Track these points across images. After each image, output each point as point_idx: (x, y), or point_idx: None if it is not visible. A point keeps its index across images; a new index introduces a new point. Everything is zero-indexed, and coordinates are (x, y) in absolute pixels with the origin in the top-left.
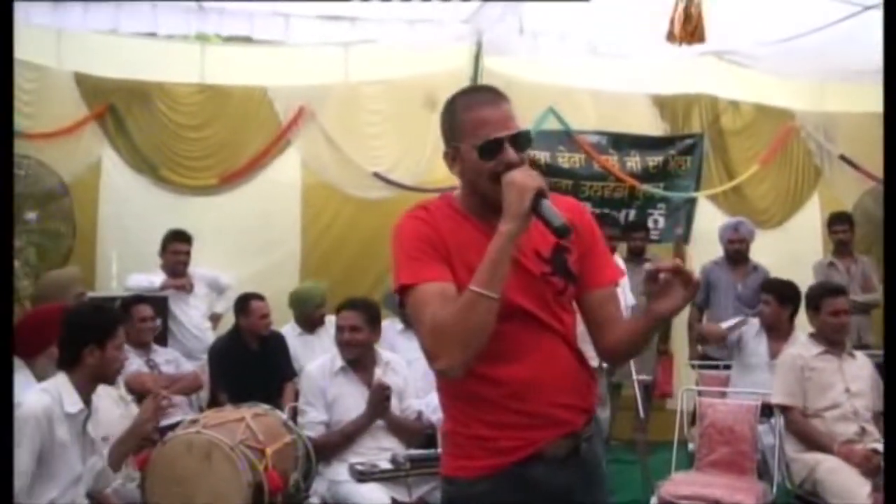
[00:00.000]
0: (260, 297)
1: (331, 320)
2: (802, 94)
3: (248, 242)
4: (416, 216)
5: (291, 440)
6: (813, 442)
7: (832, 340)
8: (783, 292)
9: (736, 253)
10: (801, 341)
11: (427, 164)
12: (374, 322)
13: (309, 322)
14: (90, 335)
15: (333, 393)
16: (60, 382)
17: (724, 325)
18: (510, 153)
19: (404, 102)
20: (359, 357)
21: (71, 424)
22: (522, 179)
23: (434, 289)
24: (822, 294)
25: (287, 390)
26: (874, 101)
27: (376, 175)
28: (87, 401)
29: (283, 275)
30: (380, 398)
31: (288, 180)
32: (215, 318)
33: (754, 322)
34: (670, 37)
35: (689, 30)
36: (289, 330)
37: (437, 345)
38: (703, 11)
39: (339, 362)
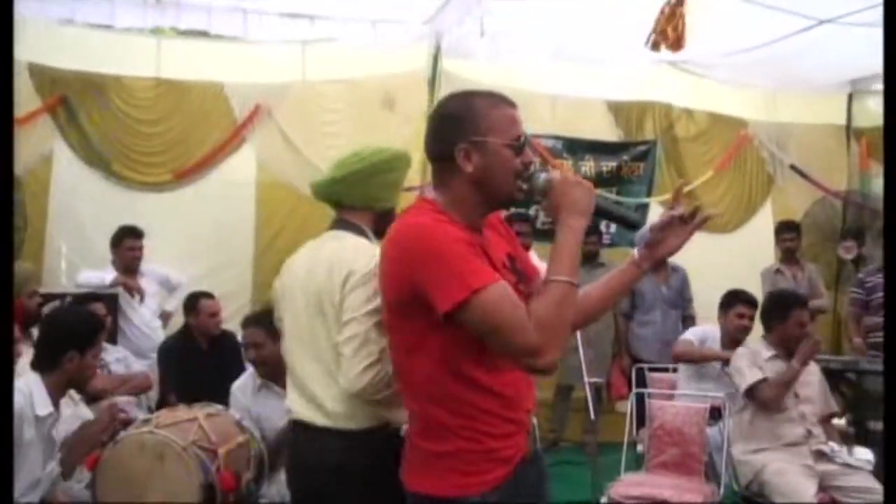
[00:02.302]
0: (209, 296)
1: None
2: (756, 104)
3: (200, 240)
4: (439, 220)
5: (244, 441)
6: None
7: (790, 349)
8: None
9: None
10: (753, 343)
11: None
12: (276, 334)
13: None
14: (73, 341)
15: (258, 410)
16: (33, 383)
17: None
18: (529, 153)
19: (362, 102)
20: (274, 371)
21: (38, 427)
22: (581, 179)
23: (503, 288)
24: (793, 304)
25: None
26: (826, 113)
27: None
28: (56, 404)
29: (235, 274)
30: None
31: (243, 178)
32: (166, 317)
33: (715, 331)
34: (654, 46)
35: (674, 37)
36: None
37: (544, 340)
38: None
39: (259, 379)
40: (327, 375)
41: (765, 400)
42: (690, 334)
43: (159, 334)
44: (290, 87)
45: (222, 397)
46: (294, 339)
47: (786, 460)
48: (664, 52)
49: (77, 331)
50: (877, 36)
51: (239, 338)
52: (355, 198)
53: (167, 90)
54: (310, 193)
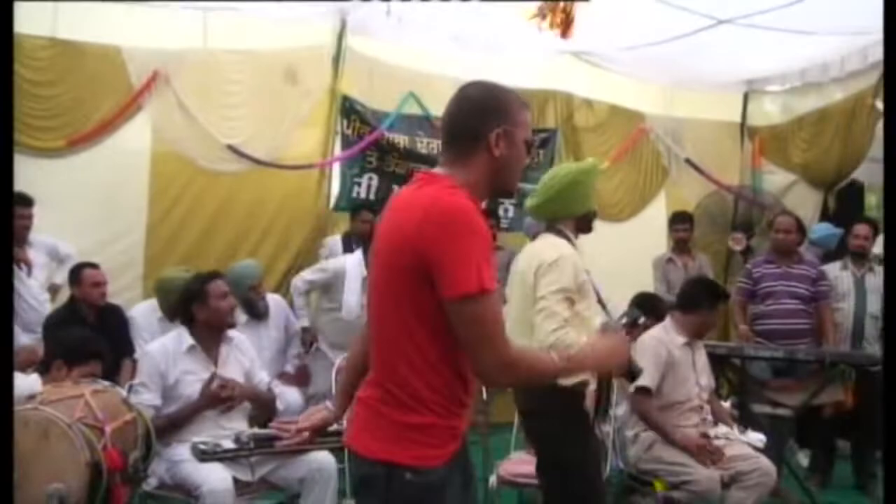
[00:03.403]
0: (93, 266)
1: (275, 300)
2: (654, 99)
3: (92, 211)
4: (476, 210)
5: (131, 418)
6: (656, 429)
7: (700, 338)
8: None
9: None
10: (664, 329)
11: (284, 140)
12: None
13: (246, 304)
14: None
15: (177, 373)
16: None
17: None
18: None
19: (264, 74)
20: (209, 330)
21: None
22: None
23: (497, 303)
24: (720, 295)
25: (125, 367)
26: (722, 111)
27: (230, 147)
28: None
29: (127, 246)
30: (212, 392)
31: (137, 147)
32: (55, 290)
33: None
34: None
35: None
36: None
37: (508, 374)
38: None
39: (188, 341)
40: (523, 339)
41: (635, 408)
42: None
43: (47, 307)
44: (190, 54)
45: (108, 373)
46: (511, 315)
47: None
48: (567, 43)
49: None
50: (773, 38)
51: (129, 313)
52: (559, 210)
53: (62, 51)
54: (207, 165)
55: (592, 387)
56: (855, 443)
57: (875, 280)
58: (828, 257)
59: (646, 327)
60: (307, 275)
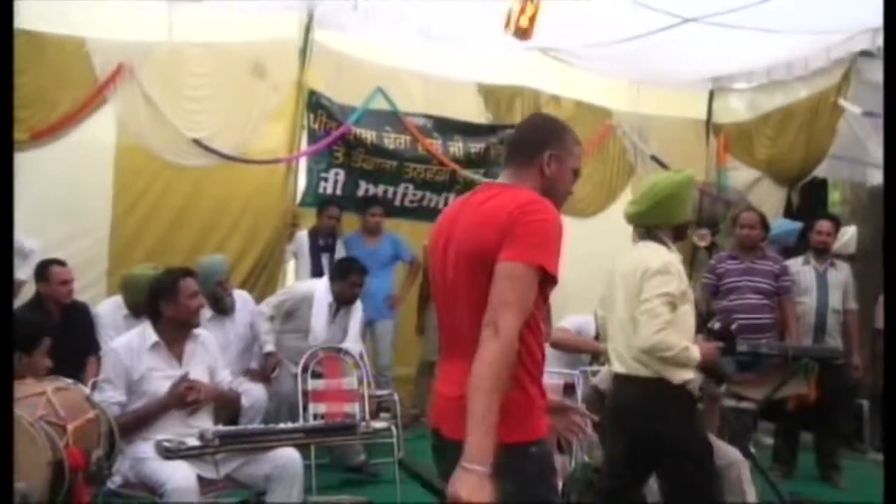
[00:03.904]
0: (61, 263)
1: (241, 296)
2: (620, 96)
3: (56, 205)
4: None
5: (94, 416)
6: None
7: None
8: None
9: None
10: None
11: (250, 134)
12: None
13: (213, 299)
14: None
15: (142, 370)
16: None
17: None
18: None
19: (231, 68)
20: (173, 330)
21: None
22: None
23: (535, 280)
24: None
25: (90, 364)
26: (687, 108)
27: (195, 141)
28: None
29: (92, 242)
30: (179, 393)
31: (102, 141)
32: (18, 286)
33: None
34: (514, 31)
35: (524, 26)
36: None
37: (494, 343)
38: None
39: (152, 338)
40: (626, 337)
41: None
42: (568, 323)
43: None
44: (156, 47)
45: (73, 370)
46: (612, 315)
47: None
48: (535, 39)
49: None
50: (738, 37)
51: (94, 310)
52: (659, 219)
53: (25, 42)
54: (172, 159)
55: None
56: (818, 435)
57: (837, 275)
58: (786, 253)
59: None
60: (273, 300)
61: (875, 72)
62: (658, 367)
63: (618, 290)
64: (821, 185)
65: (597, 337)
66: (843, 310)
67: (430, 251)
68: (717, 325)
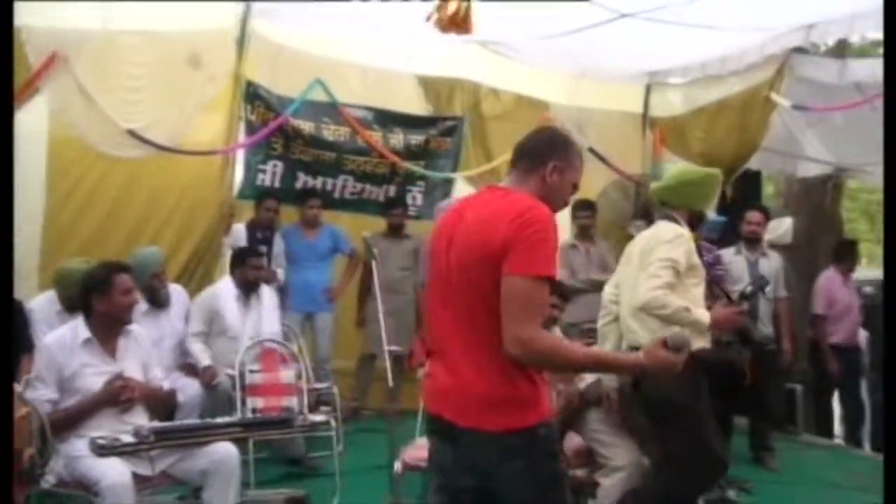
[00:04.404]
0: None
1: (176, 290)
2: (559, 89)
3: None
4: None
5: (26, 413)
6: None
7: None
8: None
9: None
10: None
11: (186, 125)
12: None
13: (148, 292)
14: None
15: (75, 366)
16: None
17: None
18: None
19: (167, 58)
20: (107, 325)
21: None
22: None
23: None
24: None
25: (24, 362)
26: (624, 101)
27: (130, 132)
28: None
29: (24, 235)
30: (113, 391)
31: (34, 131)
32: None
33: None
34: (438, 24)
35: (457, 21)
36: (224, 287)
37: (520, 350)
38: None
39: (84, 334)
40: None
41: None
42: None
43: None
44: (91, 35)
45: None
46: (625, 293)
47: None
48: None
49: None
50: (674, 33)
51: (27, 305)
52: (680, 200)
53: None
54: (107, 150)
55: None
56: (751, 419)
57: (768, 264)
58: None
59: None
60: (195, 316)
61: (807, 67)
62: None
63: (633, 269)
64: (755, 178)
65: None
66: (774, 297)
67: (431, 249)
68: (748, 290)
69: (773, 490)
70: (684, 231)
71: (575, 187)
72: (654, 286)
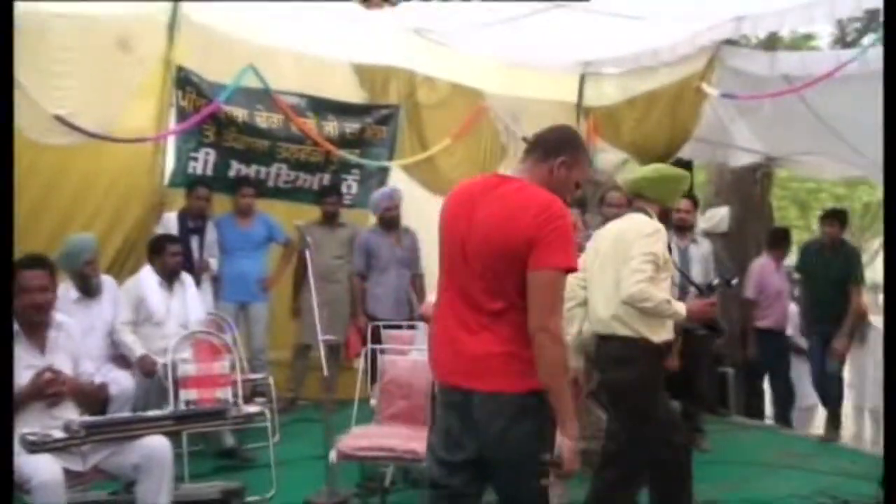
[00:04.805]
0: None
1: (107, 280)
2: (494, 78)
3: None
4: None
5: None
6: None
7: None
8: None
9: (392, 219)
10: None
11: (116, 111)
12: (55, 282)
13: (80, 280)
14: None
15: None
16: None
17: None
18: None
19: (96, 42)
20: (31, 321)
21: None
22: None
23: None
24: None
25: None
26: (558, 91)
27: (59, 118)
28: None
29: None
30: (40, 384)
31: None
32: None
33: None
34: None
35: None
36: (63, 294)
37: (543, 338)
38: None
39: (16, 326)
40: (607, 299)
41: None
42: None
43: None
44: (17, 19)
45: None
46: (595, 282)
47: None
48: (410, 20)
49: None
50: (608, 23)
51: None
52: (655, 193)
53: None
54: (34, 137)
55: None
56: (683, 402)
57: (697, 250)
58: None
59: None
60: (122, 317)
61: (737, 59)
62: (638, 326)
63: (605, 258)
64: (687, 167)
65: None
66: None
67: (446, 227)
68: (715, 282)
69: (706, 469)
70: (660, 226)
71: (577, 186)
72: (639, 279)
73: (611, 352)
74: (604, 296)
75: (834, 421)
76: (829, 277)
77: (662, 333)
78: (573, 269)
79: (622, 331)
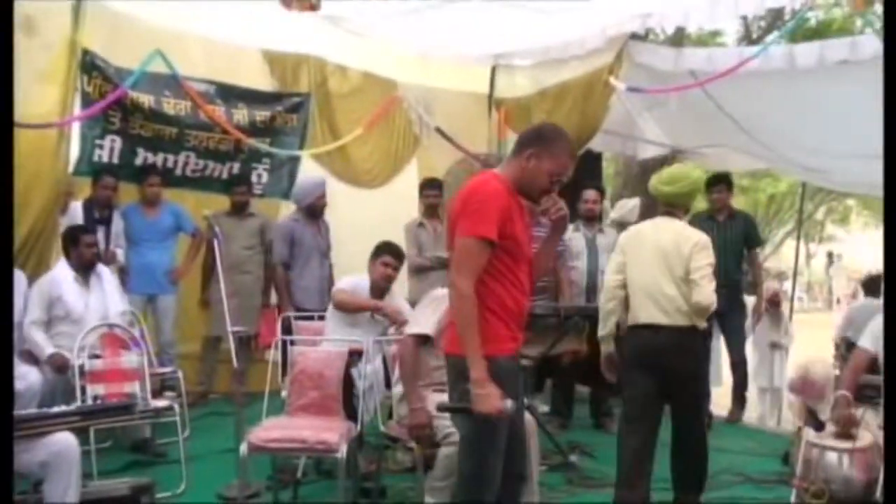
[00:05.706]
0: None
1: (17, 274)
2: (407, 68)
3: None
4: (499, 186)
5: None
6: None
7: None
8: None
9: (322, 208)
10: None
11: (21, 97)
12: None
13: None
14: None
15: None
16: None
17: None
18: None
19: None
20: None
21: None
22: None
23: (483, 246)
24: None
25: None
26: (471, 82)
27: None
28: None
29: None
30: None
31: None
32: None
33: (365, 280)
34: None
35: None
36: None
37: (454, 294)
38: None
39: None
40: (661, 302)
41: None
42: (345, 284)
43: None
44: None
45: None
46: (639, 282)
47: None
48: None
49: None
50: (518, 15)
51: None
52: (684, 201)
53: None
54: None
55: None
56: (592, 387)
57: (605, 240)
58: None
59: None
60: (33, 304)
61: (644, 54)
62: (694, 319)
63: (654, 258)
64: (596, 159)
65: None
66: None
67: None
68: None
69: (615, 453)
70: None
71: (555, 179)
72: (713, 289)
73: (678, 340)
74: (659, 292)
75: (739, 402)
76: (726, 244)
77: (703, 322)
78: (481, 235)
79: (682, 321)
